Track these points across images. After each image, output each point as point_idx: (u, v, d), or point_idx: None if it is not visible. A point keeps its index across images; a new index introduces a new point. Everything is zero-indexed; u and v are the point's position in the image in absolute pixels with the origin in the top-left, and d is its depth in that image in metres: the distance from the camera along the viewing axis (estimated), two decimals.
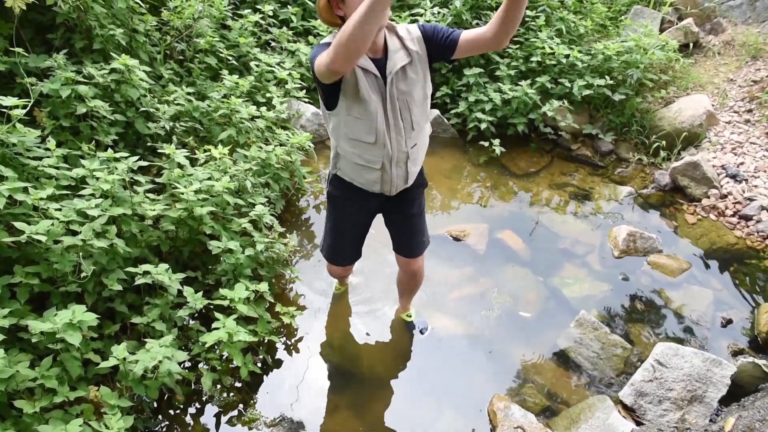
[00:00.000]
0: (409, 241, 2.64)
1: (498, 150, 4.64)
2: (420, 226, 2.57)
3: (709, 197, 4.29)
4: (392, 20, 2.18)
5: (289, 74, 4.45)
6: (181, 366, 2.66)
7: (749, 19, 5.88)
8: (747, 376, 2.89)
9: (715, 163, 4.50)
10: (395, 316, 3.22)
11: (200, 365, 2.66)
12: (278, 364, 2.90)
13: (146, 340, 2.34)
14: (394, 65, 2.03)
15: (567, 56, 4.97)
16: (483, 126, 4.78)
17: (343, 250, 2.70)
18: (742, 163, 4.49)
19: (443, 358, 3.02)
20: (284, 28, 5.03)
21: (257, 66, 4.35)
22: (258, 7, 4.95)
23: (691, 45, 5.67)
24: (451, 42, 2.02)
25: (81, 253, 2.36)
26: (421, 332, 3.13)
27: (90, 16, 3.29)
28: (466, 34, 2.00)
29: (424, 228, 2.61)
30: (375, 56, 2.03)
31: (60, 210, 2.41)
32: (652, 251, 3.80)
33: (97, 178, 2.60)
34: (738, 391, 2.81)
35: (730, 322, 3.33)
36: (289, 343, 3.02)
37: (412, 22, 5.12)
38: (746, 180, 4.34)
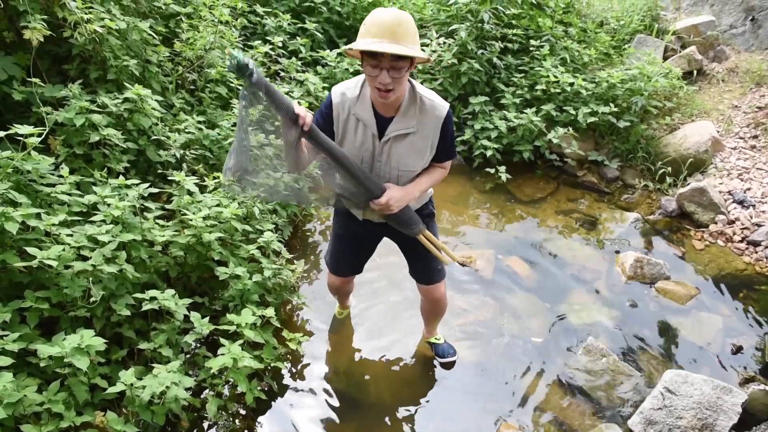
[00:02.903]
0: (424, 268, 2.65)
1: (504, 177, 4.67)
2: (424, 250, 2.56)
3: (716, 223, 4.28)
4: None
5: (298, 103, 4.52)
6: (187, 392, 2.66)
7: (752, 47, 5.95)
8: (759, 404, 2.86)
9: (722, 189, 4.51)
10: (414, 344, 3.21)
11: (206, 391, 2.66)
12: (284, 390, 2.89)
13: (153, 365, 2.35)
14: (396, 130, 2.13)
15: (571, 84, 5.04)
16: (489, 153, 4.82)
17: (341, 257, 2.71)
18: (749, 189, 4.49)
19: (450, 385, 3.01)
20: (293, 59, 5.13)
21: None
22: (268, 38, 5.07)
23: (695, 72, 5.73)
24: (445, 156, 2.24)
25: (91, 278, 2.39)
26: (444, 358, 3.09)
27: (105, 47, 3.39)
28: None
29: (431, 257, 2.58)
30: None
31: (71, 236, 2.45)
32: (660, 277, 3.79)
33: (108, 205, 2.65)
34: (750, 420, 2.76)
35: (740, 349, 3.29)
36: (295, 369, 3.02)
37: None
38: (754, 206, 4.33)
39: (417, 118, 2.09)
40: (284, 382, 2.94)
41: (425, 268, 2.64)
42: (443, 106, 2.11)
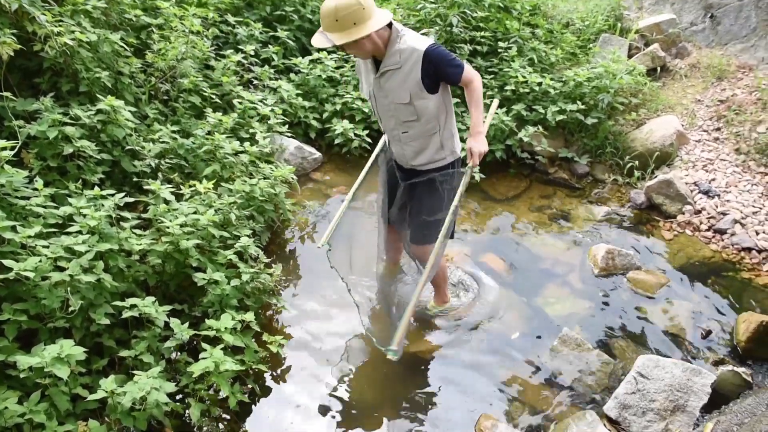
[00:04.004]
0: (411, 222, 3.02)
1: (478, 176, 4.76)
2: (421, 214, 2.92)
3: (683, 213, 4.42)
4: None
5: (272, 110, 4.58)
6: (170, 398, 2.67)
7: (712, 43, 6.15)
8: (728, 384, 2.96)
9: (688, 181, 4.65)
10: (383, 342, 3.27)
11: (189, 397, 2.68)
12: (267, 393, 2.92)
13: (134, 373, 2.37)
14: (384, 67, 2.57)
15: (540, 84, 5.15)
16: (462, 154, 4.90)
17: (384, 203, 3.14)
18: (713, 180, 4.64)
19: (430, 380, 3.06)
20: (266, 67, 5.17)
21: (240, 103, 4.47)
22: (240, 47, 5.10)
23: (659, 69, 5.90)
24: (449, 81, 2.61)
25: (69, 289, 2.40)
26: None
27: (76, 60, 3.40)
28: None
29: (427, 222, 2.89)
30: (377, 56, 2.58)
31: (47, 247, 2.46)
32: (631, 268, 3.90)
33: (84, 215, 2.66)
34: (720, 400, 2.87)
35: (709, 333, 3.41)
36: (277, 372, 3.05)
37: None
38: (718, 195, 4.48)
39: (402, 57, 2.51)
40: (267, 384, 2.97)
41: (412, 223, 3.02)
42: (421, 47, 2.48)
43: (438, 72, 2.54)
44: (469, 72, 2.59)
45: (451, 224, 2.77)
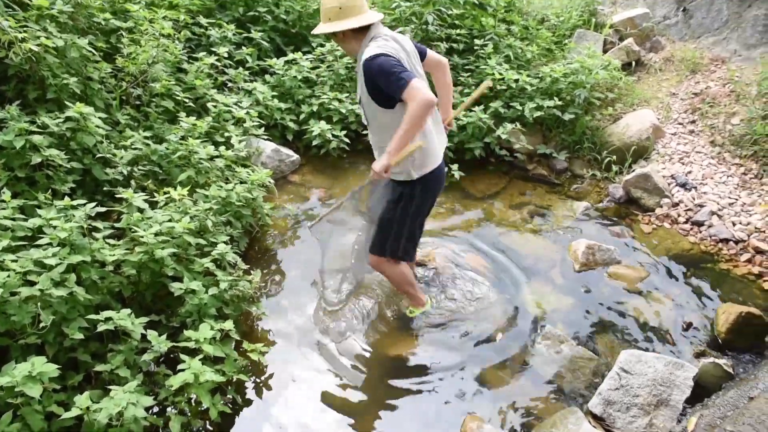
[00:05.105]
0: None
1: (457, 174, 4.75)
2: (378, 221, 2.97)
3: (661, 206, 4.45)
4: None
5: (248, 113, 4.51)
6: (149, 412, 2.61)
7: (686, 36, 6.21)
8: (710, 376, 2.98)
9: (665, 174, 4.69)
10: (375, 345, 3.25)
11: (168, 409, 2.62)
12: (249, 403, 2.87)
13: (111, 387, 2.31)
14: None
15: (516, 81, 5.16)
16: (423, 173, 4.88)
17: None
18: (690, 172, 4.69)
19: (415, 383, 3.03)
20: (240, 69, 5.10)
21: (215, 107, 4.40)
22: (213, 49, 5.02)
23: (634, 63, 5.95)
24: (389, 94, 2.49)
25: (39, 304, 2.33)
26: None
27: (43, 66, 3.31)
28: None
29: (376, 229, 3.00)
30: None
31: (16, 261, 2.38)
32: (612, 262, 3.91)
33: (54, 227, 2.58)
34: (702, 392, 2.88)
35: (690, 325, 3.43)
36: (259, 380, 3.00)
37: None
38: (695, 188, 4.52)
39: (358, 65, 2.61)
40: (249, 394, 2.92)
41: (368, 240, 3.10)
42: (363, 57, 2.51)
43: (377, 85, 2.47)
44: (414, 91, 2.30)
45: (377, 238, 3.01)
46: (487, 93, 5.21)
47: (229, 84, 5.02)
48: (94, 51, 3.71)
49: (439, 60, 2.97)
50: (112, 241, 2.88)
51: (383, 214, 2.94)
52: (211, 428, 2.70)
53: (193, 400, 2.67)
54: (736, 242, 4.04)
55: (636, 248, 4.14)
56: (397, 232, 2.97)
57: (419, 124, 2.38)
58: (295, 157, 4.85)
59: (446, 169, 3.19)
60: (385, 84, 2.41)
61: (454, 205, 4.62)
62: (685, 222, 4.32)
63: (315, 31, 2.67)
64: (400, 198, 2.87)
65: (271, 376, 3.03)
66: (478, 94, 3.16)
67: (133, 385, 2.30)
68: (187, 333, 2.60)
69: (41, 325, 2.32)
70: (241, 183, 3.77)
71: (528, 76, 5.22)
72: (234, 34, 5.35)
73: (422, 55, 2.85)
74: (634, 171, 4.66)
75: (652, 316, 3.50)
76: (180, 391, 2.53)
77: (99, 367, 2.47)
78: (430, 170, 2.80)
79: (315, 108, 5.06)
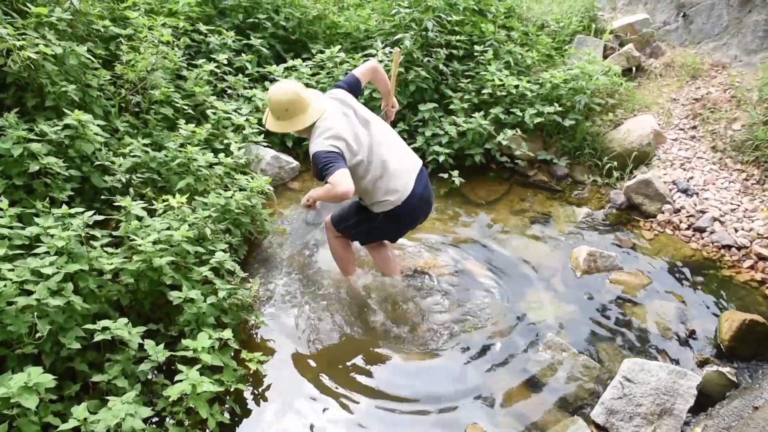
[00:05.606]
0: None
1: (458, 181, 4.73)
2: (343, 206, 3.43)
3: (663, 212, 4.43)
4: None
5: (247, 120, 4.50)
6: (147, 422, 2.58)
7: (686, 41, 6.21)
8: (713, 384, 2.95)
9: (666, 180, 4.67)
10: (375, 352, 3.22)
11: (166, 420, 2.59)
12: (248, 413, 2.83)
13: (109, 398, 2.28)
14: None
15: (516, 87, 5.14)
16: (441, 158, 4.88)
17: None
18: (691, 178, 4.67)
19: (416, 392, 3.00)
20: (240, 75, 5.10)
21: (214, 113, 4.38)
22: (213, 56, 5.01)
23: (634, 69, 5.94)
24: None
25: (36, 313, 2.31)
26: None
27: (41, 74, 3.29)
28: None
29: (342, 207, 3.43)
30: None
31: (13, 270, 2.36)
32: (613, 269, 3.89)
33: (52, 236, 2.56)
34: (706, 401, 2.85)
35: (693, 333, 3.40)
36: (258, 390, 2.97)
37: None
38: (697, 193, 4.50)
39: None
40: (248, 403, 2.88)
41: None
42: (310, 148, 2.91)
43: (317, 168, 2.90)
44: (335, 182, 2.76)
45: (338, 213, 3.44)
46: (487, 99, 5.20)
47: (229, 91, 5.01)
48: (93, 58, 3.70)
49: (367, 69, 3.35)
50: (110, 250, 2.86)
51: (349, 207, 3.38)
52: None
53: (191, 410, 2.64)
54: (739, 248, 4.01)
55: (638, 255, 4.11)
56: (354, 226, 3.36)
57: (328, 199, 2.99)
58: (295, 164, 4.83)
59: (429, 189, 3.32)
60: (317, 172, 2.88)
61: (454, 211, 4.60)
62: (687, 228, 4.30)
63: (266, 126, 3.10)
64: (366, 213, 3.25)
65: (269, 385, 3.00)
66: (395, 68, 3.52)
67: (131, 396, 2.28)
68: (185, 342, 2.57)
69: (38, 334, 2.29)
70: (241, 190, 3.75)
71: (528, 82, 5.21)
72: (233, 41, 5.35)
73: (355, 84, 3.27)
74: (635, 177, 4.64)
75: (655, 324, 3.47)
76: (178, 402, 2.51)
77: (96, 377, 2.44)
78: (394, 206, 3.08)
79: None
